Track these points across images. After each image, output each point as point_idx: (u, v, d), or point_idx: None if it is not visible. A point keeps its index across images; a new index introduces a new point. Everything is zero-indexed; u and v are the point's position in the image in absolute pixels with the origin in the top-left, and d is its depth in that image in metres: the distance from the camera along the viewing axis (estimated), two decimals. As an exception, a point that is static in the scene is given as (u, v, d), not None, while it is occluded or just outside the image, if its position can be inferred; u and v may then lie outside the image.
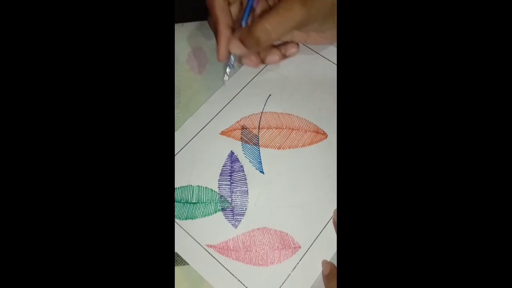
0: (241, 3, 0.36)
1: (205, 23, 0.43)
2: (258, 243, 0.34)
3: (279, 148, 0.38)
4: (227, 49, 0.33)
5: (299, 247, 0.33)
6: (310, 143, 0.38)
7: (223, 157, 0.37)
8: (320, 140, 0.38)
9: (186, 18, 0.43)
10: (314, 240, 0.34)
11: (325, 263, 0.33)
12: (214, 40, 0.39)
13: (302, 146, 0.38)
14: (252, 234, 0.34)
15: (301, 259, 0.33)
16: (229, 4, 0.33)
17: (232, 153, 0.37)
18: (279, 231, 0.34)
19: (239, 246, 0.34)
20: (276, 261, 0.33)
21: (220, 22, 0.32)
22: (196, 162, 0.37)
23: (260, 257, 0.33)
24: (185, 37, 0.42)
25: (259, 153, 0.37)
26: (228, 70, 0.37)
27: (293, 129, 0.38)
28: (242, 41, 0.32)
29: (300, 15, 0.30)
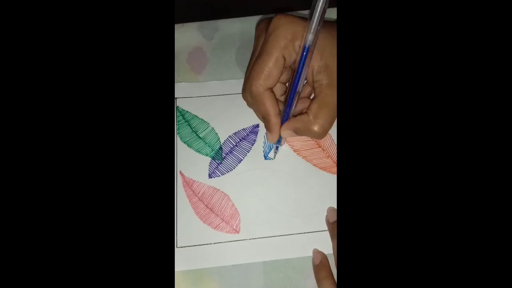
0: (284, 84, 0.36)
1: (205, 23, 0.43)
2: (214, 202, 0.36)
3: (295, 151, 0.38)
4: (278, 134, 0.34)
5: (237, 232, 0.35)
6: (323, 168, 0.37)
7: (248, 123, 0.39)
8: (334, 173, 0.37)
9: (186, 18, 0.43)
10: (256, 238, 0.35)
11: (316, 252, 0.34)
12: (214, 40, 0.43)
13: (315, 165, 0.37)
14: (216, 192, 0.36)
15: (231, 241, 0.35)
16: (272, 90, 0.34)
17: (257, 125, 0.39)
18: (236, 208, 0.36)
19: (201, 192, 0.36)
20: (219, 229, 0.35)
21: (271, 113, 0.33)
22: (229, 109, 0.39)
23: (210, 216, 0.36)
24: (185, 37, 0.42)
25: (278, 141, 0.38)
26: (277, 147, 0.37)
27: (320, 146, 0.38)
28: (296, 131, 0.34)
29: None
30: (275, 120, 0.33)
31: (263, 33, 0.33)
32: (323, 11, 0.29)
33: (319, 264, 0.33)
